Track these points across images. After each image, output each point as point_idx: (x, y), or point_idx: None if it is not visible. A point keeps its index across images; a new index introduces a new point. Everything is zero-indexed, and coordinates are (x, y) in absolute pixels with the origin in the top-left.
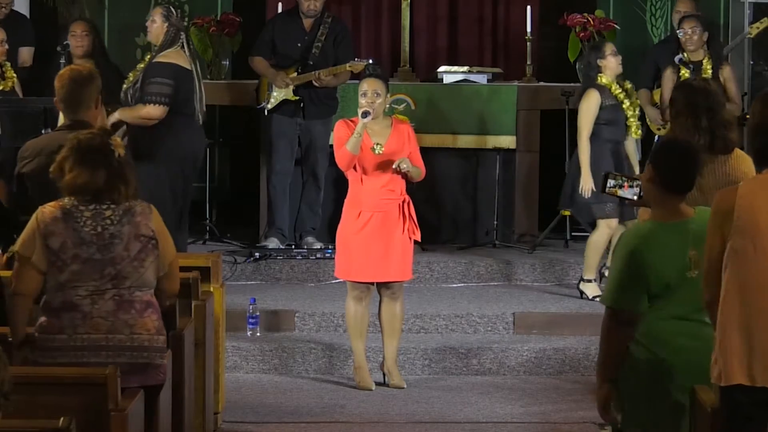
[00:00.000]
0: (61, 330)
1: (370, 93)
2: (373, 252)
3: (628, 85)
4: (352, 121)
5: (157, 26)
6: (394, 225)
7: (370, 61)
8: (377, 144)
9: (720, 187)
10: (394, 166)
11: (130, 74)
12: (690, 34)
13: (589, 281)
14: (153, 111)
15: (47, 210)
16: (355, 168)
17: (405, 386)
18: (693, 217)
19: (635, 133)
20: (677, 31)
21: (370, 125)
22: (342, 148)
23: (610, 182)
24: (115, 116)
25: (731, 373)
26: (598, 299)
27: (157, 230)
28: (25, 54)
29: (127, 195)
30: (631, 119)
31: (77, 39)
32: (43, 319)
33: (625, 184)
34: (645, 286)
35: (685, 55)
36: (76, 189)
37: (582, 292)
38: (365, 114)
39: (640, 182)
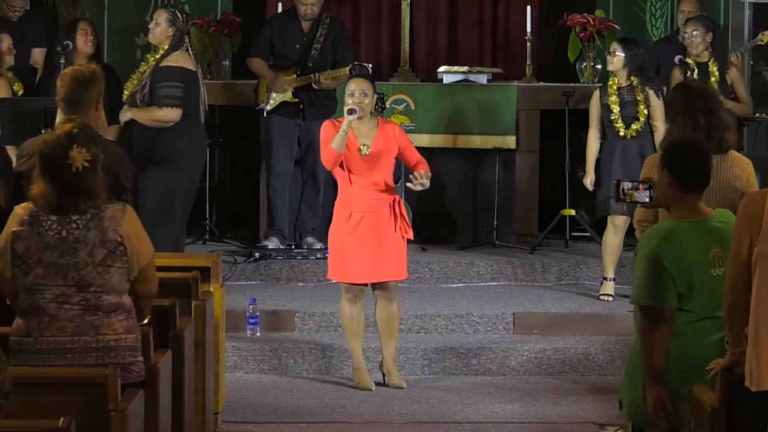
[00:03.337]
0: (28, 333)
1: (358, 93)
2: (366, 253)
3: (635, 81)
4: (338, 121)
5: (161, 29)
6: (385, 225)
7: (362, 64)
8: (364, 145)
9: (710, 187)
10: (412, 186)
11: (133, 76)
12: (693, 37)
13: (605, 279)
14: (170, 114)
15: (19, 212)
16: (342, 168)
17: (405, 386)
18: (713, 216)
19: (621, 130)
20: (682, 34)
21: (357, 126)
22: (327, 147)
23: (626, 185)
24: (128, 115)
25: (763, 378)
26: (602, 297)
27: (129, 234)
28: (38, 55)
29: (91, 206)
30: (614, 117)
31: (88, 36)
32: (16, 320)
33: (641, 187)
34: (673, 280)
35: (690, 60)
36: (35, 200)
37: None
38: (351, 111)
39: (649, 184)
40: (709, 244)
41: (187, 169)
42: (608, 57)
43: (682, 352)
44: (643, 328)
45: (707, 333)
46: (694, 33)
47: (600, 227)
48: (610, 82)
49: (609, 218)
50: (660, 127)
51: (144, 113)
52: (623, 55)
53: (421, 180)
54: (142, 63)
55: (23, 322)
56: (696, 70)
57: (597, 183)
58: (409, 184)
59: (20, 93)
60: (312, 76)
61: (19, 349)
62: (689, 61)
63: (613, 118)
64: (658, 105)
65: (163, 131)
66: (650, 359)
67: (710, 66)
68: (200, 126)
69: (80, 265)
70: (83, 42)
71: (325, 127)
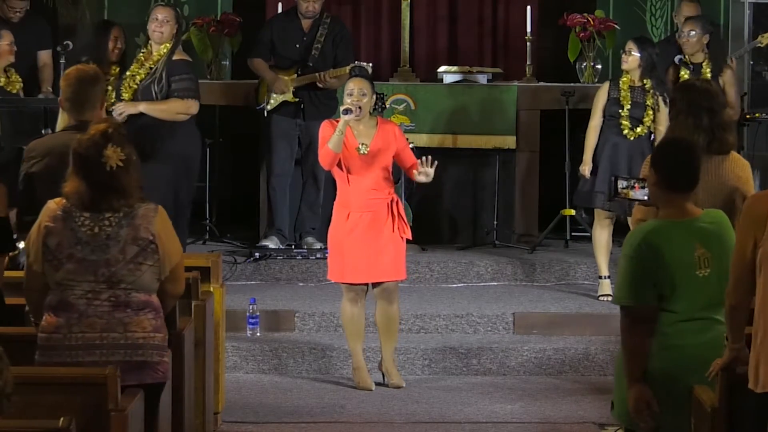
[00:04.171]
0: (57, 329)
1: (356, 92)
2: (364, 253)
3: (648, 84)
4: (337, 121)
5: (171, 26)
6: (383, 224)
7: (362, 64)
8: (362, 144)
9: (711, 187)
10: (417, 177)
11: (140, 70)
12: (689, 37)
13: (600, 278)
14: (193, 106)
15: (52, 206)
16: (341, 168)
17: (404, 385)
18: (700, 216)
19: (626, 129)
20: (679, 33)
21: (355, 125)
22: (324, 147)
23: (621, 184)
24: (140, 108)
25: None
26: (602, 298)
27: (160, 234)
28: (45, 57)
29: (124, 204)
30: (623, 114)
31: (116, 45)
32: (44, 317)
33: (636, 185)
34: (654, 280)
35: (686, 57)
36: (68, 197)
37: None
38: (346, 111)
39: (645, 183)
40: (694, 245)
41: (188, 167)
42: (623, 56)
43: (664, 353)
44: (624, 328)
45: (690, 334)
46: (691, 33)
47: None
48: (623, 79)
49: (596, 213)
50: (663, 132)
51: (162, 105)
52: (639, 55)
53: (425, 169)
54: (137, 61)
55: (53, 319)
56: (692, 69)
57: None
58: (416, 175)
59: (11, 88)
60: (317, 75)
61: (48, 346)
62: (686, 59)
63: (622, 114)
64: (664, 111)
65: (162, 128)
66: (630, 359)
67: (704, 67)
68: (194, 123)
69: (111, 261)
70: (111, 48)
71: (324, 127)
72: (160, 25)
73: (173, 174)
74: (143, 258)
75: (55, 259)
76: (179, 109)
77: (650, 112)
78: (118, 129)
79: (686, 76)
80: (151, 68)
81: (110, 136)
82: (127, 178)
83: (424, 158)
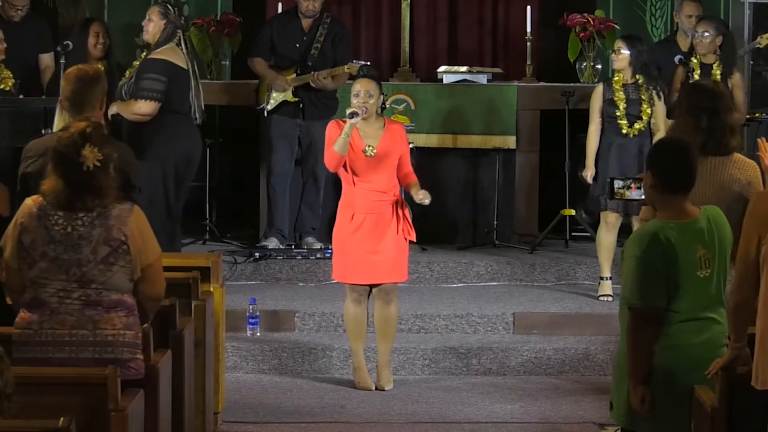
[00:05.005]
0: (29, 325)
1: (363, 93)
2: (365, 253)
3: (640, 79)
4: (344, 121)
5: (154, 25)
6: (387, 226)
7: (365, 63)
8: (369, 146)
9: (705, 189)
10: (417, 201)
11: (127, 72)
12: (703, 38)
13: (602, 279)
14: (144, 107)
15: (28, 203)
16: (346, 169)
17: (389, 388)
18: (699, 217)
19: (625, 128)
20: (692, 33)
21: (363, 127)
22: (330, 149)
23: (617, 184)
24: (113, 109)
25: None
26: (602, 298)
27: (133, 234)
28: (47, 59)
29: (99, 205)
30: (619, 114)
31: (99, 39)
32: (19, 313)
33: (633, 185)
34: (664, 280)
35: (694, 59)
36: (45, 195)
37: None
38: (352, 115)
39: (641, 183)
40: (696, 246)
41: (167, 166)
42: (612, 55)
43: (666, 353)
44: (632, 328)
45: (691, 334)
46: (705, 34)
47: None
48: (615, 78)
49: (602, 215)
50: (661, 127)
51: (125, 106)
52: (628, 52)
53: (422, 200)
54: (136, 60)
55: (26, 315)
56: (696, 71)
57: (594, 178)
58: (413, 191)
59: (4, 85)
60: (311, 74)
61: (21, 342)
62: (693, 60)
63: (618, 114)
64: (660, 105)
65: (147, 127)
66: (637, 359)
67: (714, 68)
68: (190, 123)
69: (83, 261)
70: (93, 45)
71: (330, 128)
72: (146, 23)
73: (162, 172)
74: (114, 259)
75: (29, 257)
76: (133, 109)
77: (646, 106)
78: (98, 129)
79: (697, 76)
80: (134, 68)
81: (89, 135)
82: (105, 179)
83: (423, 193)
